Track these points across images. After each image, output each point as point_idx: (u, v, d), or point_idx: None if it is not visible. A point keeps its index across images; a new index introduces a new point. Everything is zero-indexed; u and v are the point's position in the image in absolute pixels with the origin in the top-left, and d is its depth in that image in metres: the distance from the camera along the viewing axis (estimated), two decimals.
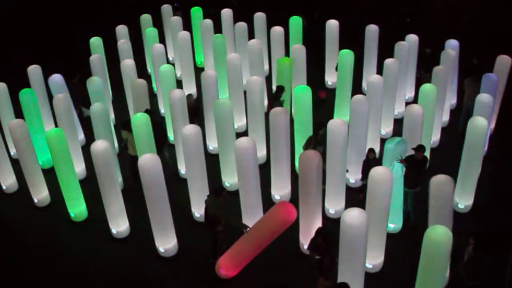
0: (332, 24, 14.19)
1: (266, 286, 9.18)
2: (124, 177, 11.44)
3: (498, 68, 12.05)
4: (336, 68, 13.04)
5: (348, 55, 12.42)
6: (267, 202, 10.71)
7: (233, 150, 9.60)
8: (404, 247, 9.51)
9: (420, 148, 9.49)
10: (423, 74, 13.48)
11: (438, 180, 7.91)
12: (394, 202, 9.14)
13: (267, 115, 11.14)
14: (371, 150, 9.90)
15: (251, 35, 14.71)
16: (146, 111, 11.19)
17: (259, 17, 15.10)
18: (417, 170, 9.52)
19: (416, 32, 13.63)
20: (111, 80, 14.85)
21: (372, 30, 13.73)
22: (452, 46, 13.03)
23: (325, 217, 10.05)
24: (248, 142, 9.39)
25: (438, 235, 7.24)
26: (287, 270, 9.40)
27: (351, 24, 15.62)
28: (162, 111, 13.81)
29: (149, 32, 15.18)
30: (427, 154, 11.16)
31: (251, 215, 9.84)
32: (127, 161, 11.54)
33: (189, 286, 9.36)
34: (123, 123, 11.41)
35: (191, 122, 11.06)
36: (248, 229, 8.87)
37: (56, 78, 12.30)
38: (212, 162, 11.43)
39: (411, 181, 9.56)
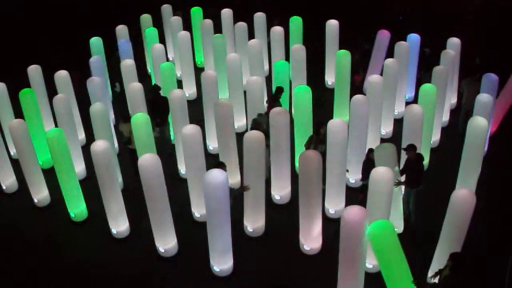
0: (332, 24, 14.20)
1: (266, 286, 9.18)
2: (125, 177, 11.43)
3: None
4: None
5: (346, 55, 12.41)
6: (267, 202, 10.73)
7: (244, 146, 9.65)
8: (404, 247, 9.52)
9: (410, 148, 9.48)
10: (423, 74, 13.48)
11: None
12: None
13: (267, 115, 11.14)
14: (371, 150, 9.90)
15: (251, 35, 14.71)
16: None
17: (259, 17, 15.10)
18: (415, 170, 9.52)
19: (412, 31, 13.65)
20: (111, 80, 14.86)
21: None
22: (453, 44, 13.02)
23: (325, 217, 10.06)
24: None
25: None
26: (287, 270, 9.40)
27: (351, 25, 15.64)
28: None
29: (149, 32, 15.18)
30: (427, 154, 11.19)
31: (252, 215, 9.85)
32: (128, 157, 11.56)
33: (189, 286, 9.37)
34: (124, 117, 11.43)
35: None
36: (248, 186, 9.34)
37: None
38: (212, 162, 11.42)
39: (412, 181, 9.57)
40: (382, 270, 7.85)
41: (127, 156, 11.61)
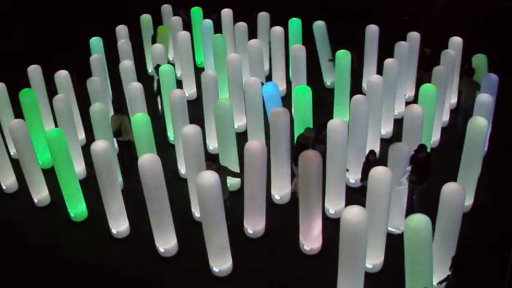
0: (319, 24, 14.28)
1: (266, 286, 9.17)
2: (125, 177, 11.43)
3: None
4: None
5: (345, 55, 12.40)
6: (267, 202, 10.74)
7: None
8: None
9: (421, 149, 9.52)
10: (423, 74, 13.46)
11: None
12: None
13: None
14: (372, 152, 9.91)
15: (251, 35, 14.70)
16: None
17: (260, 17, 15.11)
18: (423, 168, 9.56)
19: (415, 30, 13.66)
20: (111, 80, 14.86)
21: (372, 30, 13.73)
22: (455, 43, 13.01)
23: (325, 217, 10.06)
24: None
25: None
26: (287, 270, 9.40)
27: (350, 24, 15.64)
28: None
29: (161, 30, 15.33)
30: None
31: (253, 216, 9.87)
32: (123, 150, 11.74)
33: (189, 286, 9.37)
34: (117, 107, 11.63)
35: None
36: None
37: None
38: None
39: (417, 178, 9.58)
40: (408, 266, 7.86)
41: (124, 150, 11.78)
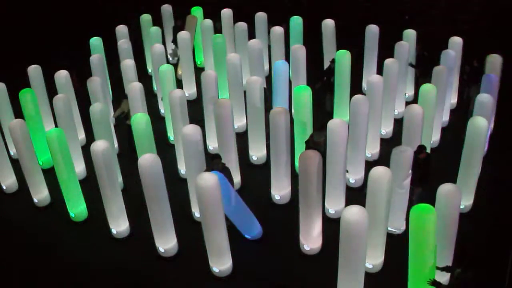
0: (328, 24, 14.22)
1: (266, 286, 9.18)
2: (125, 177, 11.43)
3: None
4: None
5: (345, 55, 12.40)
6: (267, 202, 10.77)
7: None
8: (406, 245, 9.52)
9: (421, 150, 9.52)
10: (422, 78, 13.38)
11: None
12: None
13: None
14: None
15: (251, 35, 14.71)
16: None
17: (259, 17, 15.11)
18: (423, 169, 9.55)
19: (416, 29, 13.67)
20: (111, 80, 14.86)
21: (372, 31, 13.73)
22: (456, 43, 12.99)
23: (325, 217, 10.06)
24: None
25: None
26: (287, 270, 9.40)
27: (351, 24, 15.64)
28: (162, 111, 13.82)
29: (153, 31, 15.25)
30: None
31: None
32: (124, 132, 12.04)
33: (189, 286, 9.37)
34: (126, 95, 12.02)
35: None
36: None
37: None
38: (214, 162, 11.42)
39: (417, 180, 9.58)
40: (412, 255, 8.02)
41: (126, 135, 12.01)
